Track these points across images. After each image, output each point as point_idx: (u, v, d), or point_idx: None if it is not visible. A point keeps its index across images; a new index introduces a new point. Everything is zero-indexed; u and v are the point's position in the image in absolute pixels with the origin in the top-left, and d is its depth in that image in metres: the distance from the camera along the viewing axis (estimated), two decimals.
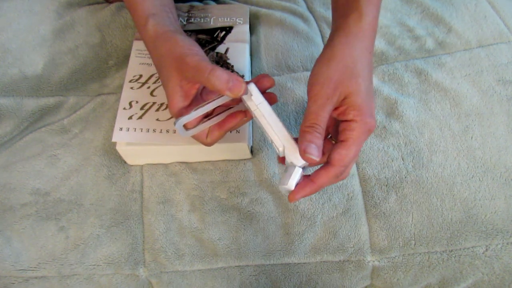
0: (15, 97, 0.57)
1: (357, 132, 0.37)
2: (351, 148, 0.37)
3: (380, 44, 0.61)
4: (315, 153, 0.36)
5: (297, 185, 0.40)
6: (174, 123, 0.42)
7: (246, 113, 0.43)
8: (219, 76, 0.37)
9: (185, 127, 0.43)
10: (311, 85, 0.38)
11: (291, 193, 0.39)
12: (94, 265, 0.48)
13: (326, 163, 0.39)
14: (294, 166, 0.40)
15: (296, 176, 0.39)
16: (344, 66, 0.38)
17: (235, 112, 0.44)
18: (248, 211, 0.49)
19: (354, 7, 0.40)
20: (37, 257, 0.48)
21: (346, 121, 0.38)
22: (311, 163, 0.39)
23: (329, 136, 0.43)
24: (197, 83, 0.42)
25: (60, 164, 0.52)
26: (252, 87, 0.40)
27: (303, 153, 0.37)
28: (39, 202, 0.50)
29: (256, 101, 0.40)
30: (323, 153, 0.38)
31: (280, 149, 0.40)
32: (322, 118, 0.37)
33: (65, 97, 0.58)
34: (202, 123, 0.43)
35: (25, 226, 0.49)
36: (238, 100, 0.42)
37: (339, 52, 0.38)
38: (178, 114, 0.42)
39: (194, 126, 0.43)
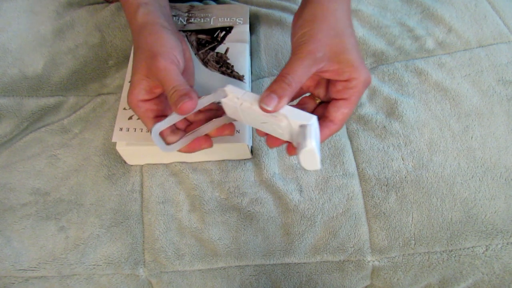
0: (15, 97, 0.57)
1: (358, 88, 0.37)
2: (351, 106, 0.38)
3: (380, 44, 0.61)
4: (270, 104, 0.35)
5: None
6: (150, 132, 0.39)
7: (232, 127, 0.43)
8: (176, 94, 0.37)
9: (166, 142, 0.41)
10: (295, 44, 0.38)
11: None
12: (94, 265, 0.48)
13: (327, 121, 0.39)
14: (305, 125, 0.35)
15: (311, 133, 0.35)
16: (327, 25, 0.37)
17: (224, 126, 0.42)
18: (248, 211, 0.49)
19: None
20: (37, 257, 0.48)
21: (343, 80, 0.37)
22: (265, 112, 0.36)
23: (307, 95, 0.43)
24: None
25: (60, 164, 0.52)
26: (229, 88, 0.38)
27: (260, 101, 0.36)
28: (39, 202, 0.50)
29: (238, 96, 0.38)
30: (304, 110, 0.37)
31: (283, 124, 0.36)
32: (298, 69, 0.36)
33: (65, 97, 0.58)
34: (186, 136, 0.42)
35: (25, 226, 0.49)
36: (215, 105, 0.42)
37: (322, 15, 0.38)
38: (135, 106, 0.41)
39: (176, 141, 0.41)
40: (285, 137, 0.39)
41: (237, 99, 0.38)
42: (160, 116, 0.42)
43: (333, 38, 0.37)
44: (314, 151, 0.35)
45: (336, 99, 0.39)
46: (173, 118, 0.40)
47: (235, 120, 0.43)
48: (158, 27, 0.42)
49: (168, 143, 0.41)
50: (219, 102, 0.40)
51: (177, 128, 0.43)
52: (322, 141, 0.39)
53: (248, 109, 0.38)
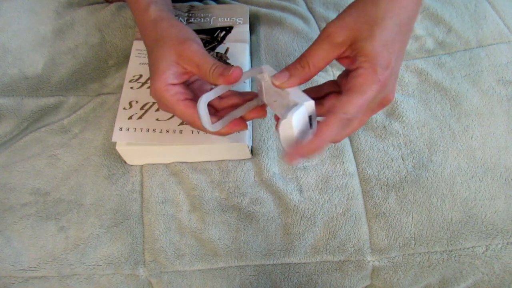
0: (15, 97, 0.57)
1: (362, 79, 0.33)
2: (353, 96, 0.33)
3: None
4: (279, 79, 0.35)
5: (301, 133, 0.34)
6: (199, 105, 0.37)
7: (264, 109, 0.43)
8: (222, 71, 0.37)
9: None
10: (325, 27, 0.36)
11: (291, 151, 0.34)
12: (94, 265, 0.48)
13: (323, 108, 0.37)
14: (297, 103, 0.34)
15: (298, 110, 0.33)
16: (361, 13, 0.33)
17: (257, 108, 0.43)
18: (248, 211, 0.49)
19: None
20: (37, 257, 0.48)
21: (352, 68, 0.34)
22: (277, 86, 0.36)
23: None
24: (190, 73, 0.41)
25: (60, 164, 0.52)
26: (266, 67, 0.39)
27: (273, 76, 0.35)
28: (39, 202, 0.50)
29: (266, 73, 0.38)
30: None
31: (285, 101, 0.36)
32: (313, 56, 0.35)
33: (65, 97, 0.58)
34: (224, 117, 0.42)
35: (25, 226, 0.49)
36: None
37: (361, 2, 0.34)
38: (164, 90, 0.40)
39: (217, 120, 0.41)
40: None
41: (265, 76, 0.38)
42: (190, 99, 0.41)
43: (362, 24, 0.33)
44: (291, 124, 0.33)
45: (343, 90, 0.34)
46: (220, 89, 0.39)
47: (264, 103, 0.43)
48: (174, 21, 0.44)
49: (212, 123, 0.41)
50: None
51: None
52: (327, 137, 0.34)
53: (268, 87, 0.38)
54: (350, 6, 0.35)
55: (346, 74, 0.36)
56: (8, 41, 0.60)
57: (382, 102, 0.36)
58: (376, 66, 0.32)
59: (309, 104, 0.35)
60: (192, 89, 0.44)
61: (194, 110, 0.38)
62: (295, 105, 0.34)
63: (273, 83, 0.36)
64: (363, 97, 0.33)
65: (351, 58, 0.34)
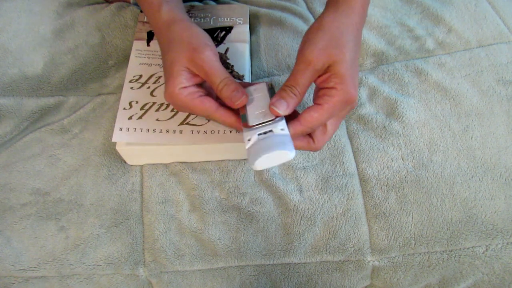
0: (15, 97, 0.57)
1: (335, 99, 0.38)
2: (323, 113, 0.38)
3: (380, 44, 0.61)
4: (281, 107, 0.38)
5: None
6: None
7: None
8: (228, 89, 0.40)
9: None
10: (298, 51, 0.40)
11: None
12: (94, 265, 0.48)
13: (295, 120, 0.39)
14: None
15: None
16: (330, 36, 0.39)
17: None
18: (248, 211, 0.49)
19: None
20: (37, 257, 0.48)
21: (327, 88, 0.38)
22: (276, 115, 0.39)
23: None
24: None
25: (60, 164, 0.52)
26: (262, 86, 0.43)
27: (270, 105, 0.39)
28: (39, 202, 0.50)
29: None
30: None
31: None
32: (301, 81, 0.39)
33: (65, 97, 0.58)
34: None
35: (25, 226, 0.49)
36: None
37: (327, 24, 0.40)
38: (178, 93, 0.41)
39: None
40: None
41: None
42: (204, 95, 0.42)
43: (333, 48, 0.38)
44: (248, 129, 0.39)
45: (314, 104, 0.39)
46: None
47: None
48: (188, 23, 0.44)
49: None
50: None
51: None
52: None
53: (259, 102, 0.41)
54: (317, 29, 0.40)
55: (318, 90, 0.40)
56: (8, 41, 0.60)
57: (350, 109, 0.41)
58: (347, 87, 0.38)
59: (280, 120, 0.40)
60: (205, 87, 0.45)
61: (210, 104, 0.41)
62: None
63: (273, 111, 0.39)
64: (331, 116, 0.39)
65: (325, 78, 0.39)
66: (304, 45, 0.39)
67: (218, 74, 0.40)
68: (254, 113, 0.41)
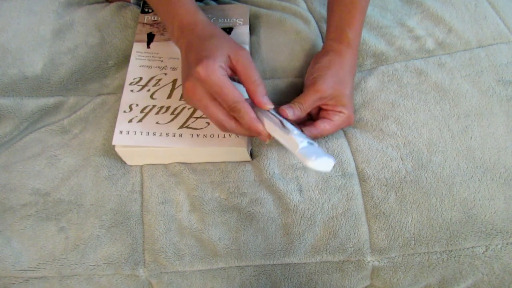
0: (15, 97, 0.57)
1: (342, 119, 0.51)
2: (332, 127, 0.50)
3: (380, 44, 0.61)
4: (288, 112, 0.47)
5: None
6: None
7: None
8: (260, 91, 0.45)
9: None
10: (310, 80, 0.51)
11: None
12: (94, 265, 0.48)
13: (312, 125, 0.50)
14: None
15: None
16: (337, 76, 0.51)
17: None
18: (248, 211, 0.49)
19: (344, 37, 0.53)
20: (37, 257, 0.48)
21: (335, 111, 0.51)
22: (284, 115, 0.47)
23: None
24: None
25: (60, 165, 0.52)
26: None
27: (282, 107, 0.47)
28: (39, 202, 0.50)
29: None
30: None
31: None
32: (308, 102, 0.49)
33: (65, 97, 0.58)
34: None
35: (25, 226, 0.49)
36: None
37: (334, 66, 0.51)
38: (215, 70, 0.42)
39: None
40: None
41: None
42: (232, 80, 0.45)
43: (337, 84, 0.50)
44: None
45: (326, 118, 0.51)
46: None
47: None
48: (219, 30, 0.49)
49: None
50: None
51: None
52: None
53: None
54: (327, 68, 0.51)
55: (324, 110, 0.52)
56: (8, 41, 0.60)
57: (347, 125, 0.53)
58: (350, 113, 0.51)
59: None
60: None
61: (239, 92, 0.43)
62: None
63: (283, 111, 0.47)
64: (335, 129, 0.51)
65: (332, 104, 0.50)
66: (317, 79, 0.50)
67: (256, 71, 0.45)
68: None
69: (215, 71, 0.42)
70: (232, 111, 0.43)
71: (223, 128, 0.45)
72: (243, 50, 0.45)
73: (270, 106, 0.45)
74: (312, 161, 0.41)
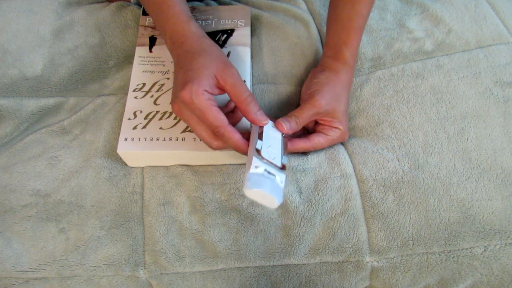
0: (15, 98, 0.57)
1: (337, 134, 0.52)
2: (326, 141, 0.52)
3: (378, 48, 0.61)
4: (285, 125, 0.48)
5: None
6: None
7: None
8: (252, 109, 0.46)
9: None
10: (307, 94, 0.53)
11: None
12: (94, 266, 0.48)
13: (306, 138, 0.51)
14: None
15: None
16: (334, 93, 0.52)
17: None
18: (249, 212, 0.50)
19: (341, 56, 0.54)
20: (38, 258, 0.48)
21: (332, 126, 0.52)
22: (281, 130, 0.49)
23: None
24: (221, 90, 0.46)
25: (61, 166, 0.52)
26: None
27: (278, 120, 0.48)
28: (39, 203, 0.50)
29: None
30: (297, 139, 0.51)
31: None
32: (304, 116, 0.50)
33: (65, 98, 0.58)
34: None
35: (26, 227, 0.49)
36: None
37: (331, 83, 0.53)
38: (200, 93, 0.42)
39: None
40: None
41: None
42: (218, 107, 0.44)
43: (334, 100, 0.52)
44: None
45: (322, 133, 0.52)
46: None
47: None
48: (212, 41, 0.49)
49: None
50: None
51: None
52: (293, 150, 0.51)
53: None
54: (325, 84, 0.52)
55: (319, 124, 0.53)
56: (7, 41, 0.60)
57: (341, 140, 0.55)
58: (345, 129, 0.53)
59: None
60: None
61: (223, 117, 0.44)
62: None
63: (280, 124, 0.48)
64: (329, 144, 0.53)
65: (328, 120, 0.52)
66: (314, 93, 0.51)
67: (245, 88, 0.45)
68: (266, 147, 0.44)
69: (198, 95, 0.42)
70: (216, 135, 0.44)
71: (211, 147, 0.46)
72: (230, 69, 0.45)
73: (265, 121, 0.46)
74: (248, 190, 0.39)
